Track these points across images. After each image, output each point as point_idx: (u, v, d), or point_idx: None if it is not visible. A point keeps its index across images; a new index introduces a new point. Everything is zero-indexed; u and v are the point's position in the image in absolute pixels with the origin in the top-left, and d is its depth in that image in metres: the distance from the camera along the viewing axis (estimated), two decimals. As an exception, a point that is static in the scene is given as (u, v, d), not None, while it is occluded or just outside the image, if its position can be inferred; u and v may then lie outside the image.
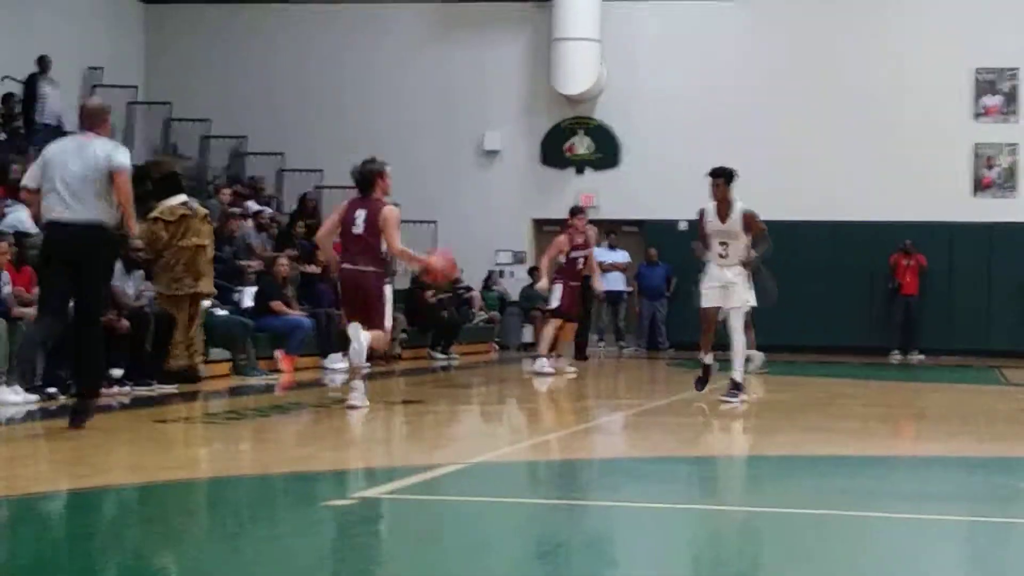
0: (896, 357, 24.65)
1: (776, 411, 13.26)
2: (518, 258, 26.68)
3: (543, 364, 17.51)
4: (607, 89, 26.42)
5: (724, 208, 13.10)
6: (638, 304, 25.66)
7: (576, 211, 18.46)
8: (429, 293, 22.12)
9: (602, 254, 25.06)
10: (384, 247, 11.85)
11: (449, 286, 23.08)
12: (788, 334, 24.27)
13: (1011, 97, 25.39)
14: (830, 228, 25.20)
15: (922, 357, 24.56)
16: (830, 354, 24.07)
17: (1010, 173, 25.42)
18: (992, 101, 25.47)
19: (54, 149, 10.06)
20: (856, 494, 7.75)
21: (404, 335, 21.07)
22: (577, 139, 26.78)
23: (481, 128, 26.79)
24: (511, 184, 26.36)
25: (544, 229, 26.64)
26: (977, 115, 25.51)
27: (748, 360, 14.12)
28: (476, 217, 26.09)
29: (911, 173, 25.17)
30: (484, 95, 26.79)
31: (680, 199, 24.67)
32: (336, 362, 18.21)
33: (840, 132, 25.43)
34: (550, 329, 18.01)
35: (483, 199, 26.40)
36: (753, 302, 13.37)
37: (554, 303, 17.79)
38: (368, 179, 12.00)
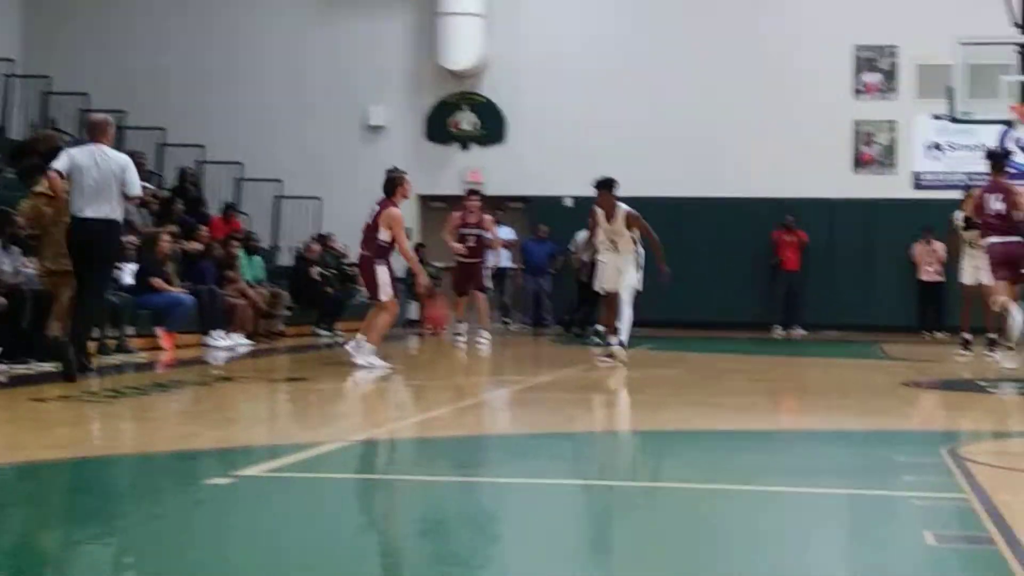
0: (779, 332, 24.93)
1: (661, 387, 13.34)
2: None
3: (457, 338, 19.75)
4: (492, 64, 26.40)
5: (610, 212, 15.17)
6: (523, 280, 25.69)
7: (469, 192, 20.40)
8: (314, 269, 21.98)
9: (488, 230, 25.08)
10: (383, 237, 14.29)
11: (335, 261, 22.96)
12: (672, 310, 24.45)
13: (890, 74, 25.75)
14: (713, 205, 25.42)
15: (804, 332, 24.87)
16: (714, 330, 24.32)
17: (889, 150, 25.79)
18: (872, 78, 25.81)
19: (78, 156, 12.32)
20: (741, 469, 7.81)
21: (288, 312, 20.93)
22: (462, 114, 26.74)
23: (367, 103, 26.65)
24: (396, 160, 25.73)
25: (431, 205, 26.59)
26: (857, 92, 25.84)
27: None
28: (361, 193, 25.86)
29: (792, 149, 25.45)
30: (370, 70, 26.66)
31: (566, 175, 24.80)
32: (218, 339, 18.05)
33: (723, 109, 25.63)
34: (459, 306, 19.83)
35: (368, 175, 26.07)
36: (639, 286, 15.20)
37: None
38: (390, 185, 14.55)
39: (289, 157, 26.41)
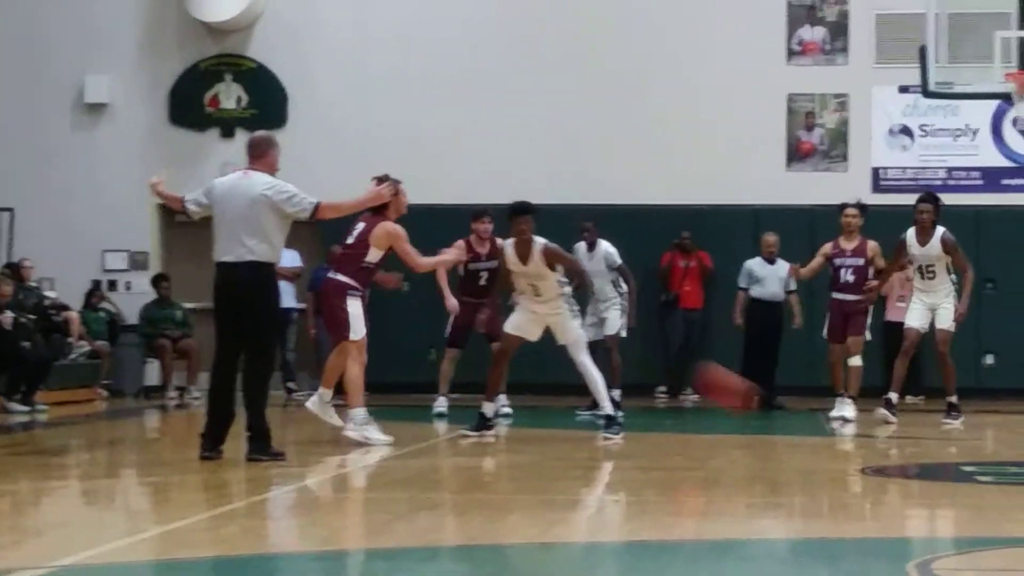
0: (663, 398, 24.80)
1: (511, 479, 13.37)
2: (137, 262, 26.40)
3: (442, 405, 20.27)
4: (267, 15, 26.35)
5: (523, 248, 16.51)
6: (314, 326, 25.44)
7: (478, 214, 20.43)
8: (3, 316, 21.71)
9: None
10: (371, 258, 15.97)
11: (35, 303, 22.72)
12: (519, 368, 24.32)
13: (838, 29, 26.02)
14: (575, 215, 25.15)
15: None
16: (579, 395, 23.99)
17: (838, 136, 26.02)
18: (812, 34, 26.11)
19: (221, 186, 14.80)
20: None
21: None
22: (223, 87, 26.65)
23: (80, 72, 26.44)
24: (125, 153, 26.04)
25: (176, 219, 26.38)
26: (792, 53, 26.11)
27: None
28: (72, 202, 25.72)
29: (697, 135, 25.58)
30: (85, 24, 26.46)
31: (374, 171, 24.72)
32: None
33: (597, 76, 25.71)
34: (445, 363, 20.39)
35: (84, 175, 26.03)
36: (615, 330, 18.22)
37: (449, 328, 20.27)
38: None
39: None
